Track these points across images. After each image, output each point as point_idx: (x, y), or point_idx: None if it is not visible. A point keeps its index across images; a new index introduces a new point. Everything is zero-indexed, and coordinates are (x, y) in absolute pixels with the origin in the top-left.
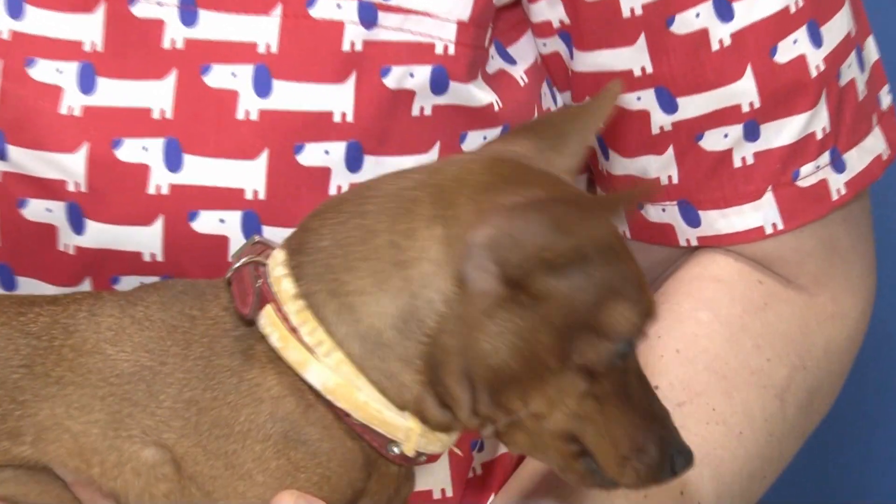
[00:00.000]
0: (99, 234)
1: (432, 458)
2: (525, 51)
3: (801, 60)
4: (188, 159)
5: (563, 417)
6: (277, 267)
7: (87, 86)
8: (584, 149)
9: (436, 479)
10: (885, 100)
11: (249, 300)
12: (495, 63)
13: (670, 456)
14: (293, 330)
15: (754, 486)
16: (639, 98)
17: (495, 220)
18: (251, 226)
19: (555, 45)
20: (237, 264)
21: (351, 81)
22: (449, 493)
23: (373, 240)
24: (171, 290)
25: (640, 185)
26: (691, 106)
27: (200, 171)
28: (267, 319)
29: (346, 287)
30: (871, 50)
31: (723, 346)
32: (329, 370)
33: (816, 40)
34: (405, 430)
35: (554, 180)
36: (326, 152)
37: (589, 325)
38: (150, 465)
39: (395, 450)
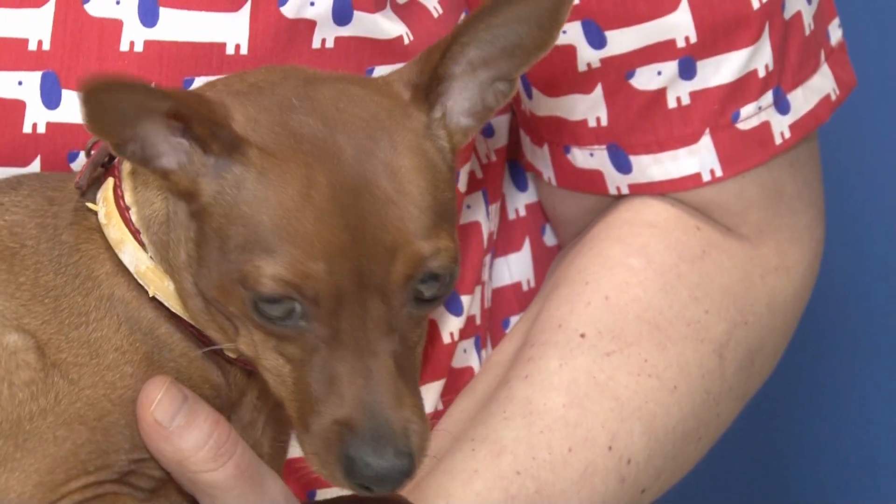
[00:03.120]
0: None
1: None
2: None
3: None
4: (67, 95)
5: (262, 358)
6: None
7: None
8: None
9: None
10: (835, 35)
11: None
12: None
13: (345, 458)
14: (126, 209)
15: (689, 448)
16: (564, 31)
17: None
18: None
19: None
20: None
21: (245, 10)
22: None
23: None
24: (46, 178)
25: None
26: (621, 40)
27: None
28: (102, 193)
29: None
30: None
31: (656, 296)
32: (145, 254)
33: None
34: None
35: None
36: None
37: (237, 267)
38: (12, 351)
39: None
